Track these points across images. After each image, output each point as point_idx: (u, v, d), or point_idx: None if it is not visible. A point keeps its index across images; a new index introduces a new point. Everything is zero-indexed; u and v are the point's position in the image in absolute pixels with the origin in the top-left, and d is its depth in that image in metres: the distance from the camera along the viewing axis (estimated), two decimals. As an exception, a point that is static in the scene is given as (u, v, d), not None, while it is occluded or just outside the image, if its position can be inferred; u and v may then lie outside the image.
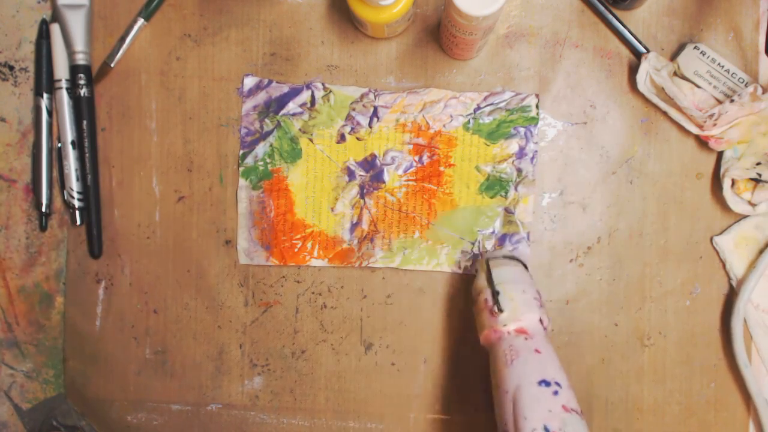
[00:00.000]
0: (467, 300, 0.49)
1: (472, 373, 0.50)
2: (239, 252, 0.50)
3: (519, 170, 0.49)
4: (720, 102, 0.47)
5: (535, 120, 0.49)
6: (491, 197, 0.49)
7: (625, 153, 0.49)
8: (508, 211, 0.49)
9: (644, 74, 0.47)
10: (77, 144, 0.50)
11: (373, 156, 0.50)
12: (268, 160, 0.50)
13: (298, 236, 0.50)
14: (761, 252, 0.48)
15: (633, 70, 0.49)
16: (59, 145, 0.50)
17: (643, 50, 0.48)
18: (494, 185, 0.49)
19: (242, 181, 0.50)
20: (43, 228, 0.51)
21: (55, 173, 0.51)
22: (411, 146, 0.50)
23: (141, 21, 0.50)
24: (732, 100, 0.45)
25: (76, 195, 0.50)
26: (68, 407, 0.52)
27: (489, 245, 0.49)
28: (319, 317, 0.50)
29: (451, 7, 0.39)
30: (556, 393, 0.37)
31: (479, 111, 0.49)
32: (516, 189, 0.49)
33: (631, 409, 0.49)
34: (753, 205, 0.47)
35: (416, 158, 0.50)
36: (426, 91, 0.49)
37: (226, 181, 0.50)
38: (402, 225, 0.50)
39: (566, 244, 0.50)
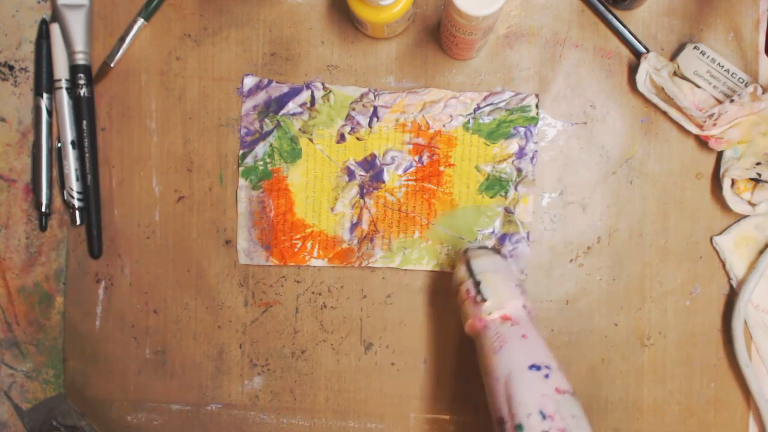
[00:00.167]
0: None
1: (472, 373, 0.50)
2: (239, 252, 0.50)
3: (519, 170, 0.49)
4: (720, 102, 0.47)
5: (535, 120, 0.49)
6: (491, 197, 0.49)
7: (625, 153, 0.49)
8: (508, 211, 0.49)
9: (644, 74, 0.47)
10: (77, 144, 0.50)
11: (373, 156, 0.50)
12: (268, 160, 0.50)
13: (298, 236, 0.50)
14: (761, 252, 0.48)
15: (633, 70, 0.49)
16: (59, 145, 0.50)
17: (643, 50, 0.48)
18: (494, 185, 0.49)
19: (242, 181, 0.50)
20: (43, 228, 0.51)
21: (55, 173, 0.51)
22: (411, 146, 0.50)
23: (141, 21, 0.50)
24: (732, 100, 0.45)
25: (76, 195, 0.50)
26: (68, 407, 0.52)
27: (489, 245, 0.49)
28: (319, 317, 0.50)
29: (451, 7, 0.39)
30: (547, 376, 0.38)
31: (479, 111, 0.49)
32: (516, 189, 0.49)
33: (631, 409, 0.49)
34: (753, 205, 0.47)
35: (416, 158, 0.50)
36: (426, 91, 0.49)
37: (226, 181, 0.50)
38: (402, 225, 0.50)
39: (566, 244, 0.50)
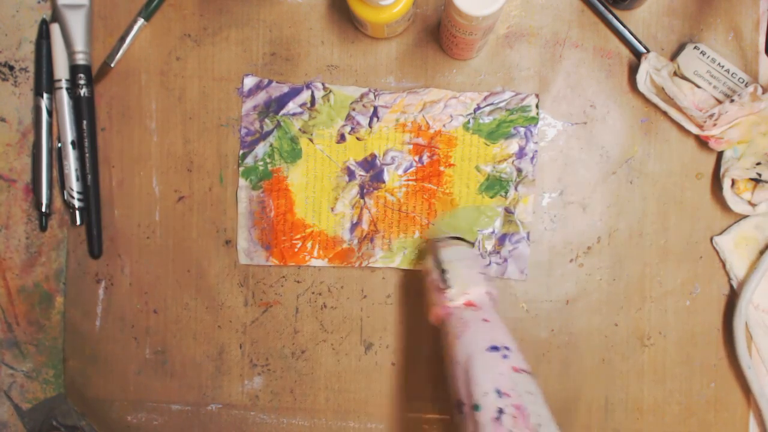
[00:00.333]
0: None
1: (472, 373, 0.49)
2: (239, 252, 0.50)
3: (519, 170, 0.49)
4: (720, 102, 0.47)
5: (535, 120, 0.49)
6: (491, 197, 0.49)
7: (625, 153, 0.49)
8: (508, 211, 0.49)
9: (644, 74, 0.47)
10: (77, 144, 0.50)
11: (373, 156, 0.50)
12: (268, 160, 0.50)
13: (298, 236, 0.50)
14: (761, 252, 0.48)
15: (633, 70, 0.49)
16: (59, 145, 0.50)
17: (643, 50, 0.48)
18: (494, 185, 0.49)
19: (242, 181, 0.50)
20: (43, 228, 0.51)
21: (55, 173, 0.51)
22: (411, 146, 0.50)
23: (141, 21, 0.50)
24: (732, 100, 0.45)
25: (76, 195, 0.50)
26: (68, 407, 0.52)
27: (489, 245, 0.49)
28: (319, 317, 0.50)
29: (451, 7, 0.39)
30: (505, 356, 0.38)
31: (479, 111, 0.49)
32: (516, 189, 0.49)
33: (631, 409, 0.49)
34: (753, 205, 0.47)
35: (416, 158, 0.50)
36: (426, 91, 0.49)
37: (226, 181, 0.50)
38: (402, 225, 0.50)
39: (566, 244, 0.50)
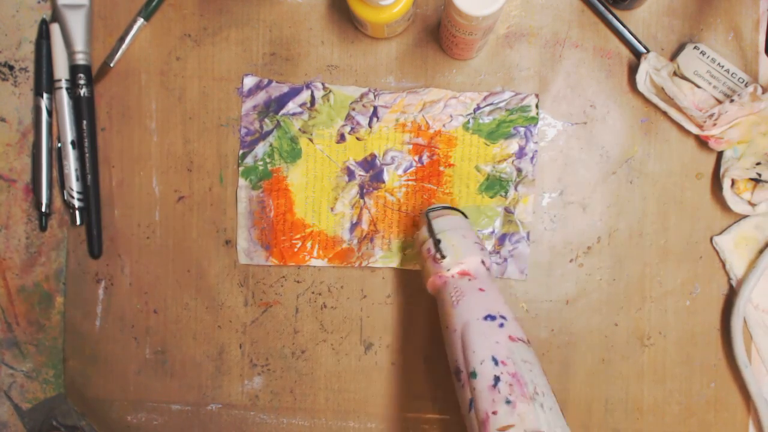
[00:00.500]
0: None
1: (472, 373, 0.50)
2: (239, 252, 0.50)
3: (519, 170, 0.49)
4: (720, 102, 0.47)
5: (535, 120, 0.49)
6: (491, 197, 0.49)
7: (625, 153, 0.49)
8: (507, 211, 0.49)
9: (644, 74, 0.47)
10: (77, 144, 0.50)
11: (373, 156, 0.50)
12: (267, 160, 0.50)
13: (298, 236, 0.50)
14: (761, 252, 0.48)
15: (633, 70, 0.49)
16: (59, 145, 0.50)
17: (643, 50, 0.48)
18: (494, 185, 0.49)
19: (242, 181, 0.50)
20: (43, 228, 0.51)
21: (55, 173, 0.51)
22: (411, 146, 0.50)
23: (141, 21, 0.50)
24: (732, 100, 0.45)
25: (76, 195, 0.50)
26: (68, 407, 0.52)
27: (489, 245, 0.49)
28: (319, 317, 0.50)
29: (451, 7, 0.39)
30: (501, 325, 0.38)
31: (479, 111, 0.49)
32: (516, 189, 0.49)
33: (631, 409, 0.49)
34: (753, 205, 0.47)
35: (416, 158, 0.50)
36: (426, 91, 0.49)
37: (226, 181, 0.50)
38: (402, 225, 0.50)
39: (566, 243, 0.50)
